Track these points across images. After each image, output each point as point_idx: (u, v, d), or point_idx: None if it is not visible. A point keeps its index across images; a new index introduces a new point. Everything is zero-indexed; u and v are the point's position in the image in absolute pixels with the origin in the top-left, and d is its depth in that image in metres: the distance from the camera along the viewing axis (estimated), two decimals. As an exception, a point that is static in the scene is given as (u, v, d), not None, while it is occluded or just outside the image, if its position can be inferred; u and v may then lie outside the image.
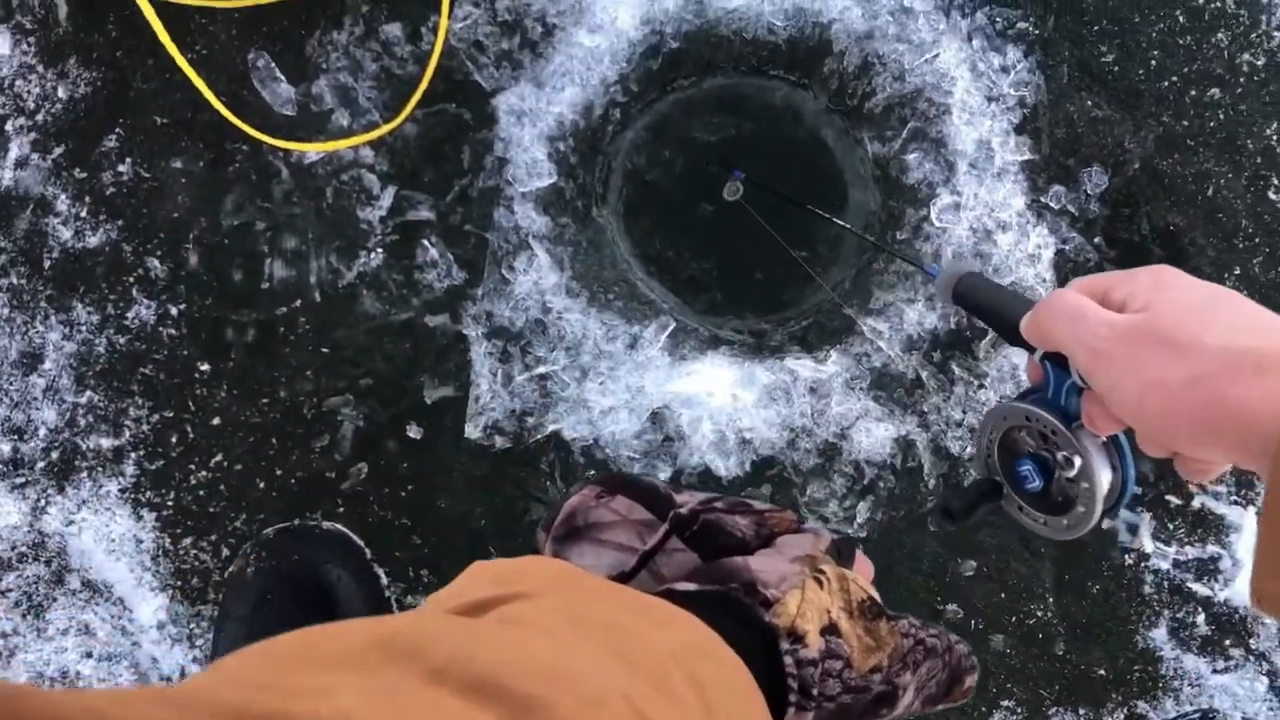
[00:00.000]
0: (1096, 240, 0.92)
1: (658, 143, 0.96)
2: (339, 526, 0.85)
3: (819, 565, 0.49)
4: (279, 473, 0.88)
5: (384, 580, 0.86)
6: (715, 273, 0.95)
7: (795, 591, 0.47)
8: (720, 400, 0.86)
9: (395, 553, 0.88)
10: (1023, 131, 0.91)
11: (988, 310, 0.53)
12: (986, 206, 0.90)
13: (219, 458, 0.88)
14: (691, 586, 0.49)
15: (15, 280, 0.88)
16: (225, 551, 0.87)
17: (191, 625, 0.87)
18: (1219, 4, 0.94)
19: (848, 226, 0.83)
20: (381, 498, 0.88)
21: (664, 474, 0.87)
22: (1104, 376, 0.41)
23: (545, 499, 0.87)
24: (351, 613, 0.79)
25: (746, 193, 0.87)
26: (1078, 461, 0.47)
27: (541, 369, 0.87)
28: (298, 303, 0.88)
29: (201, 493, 0.87)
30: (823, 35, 0.91)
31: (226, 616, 0.80)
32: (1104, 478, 0.46)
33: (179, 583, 0.87)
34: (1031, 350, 0.49)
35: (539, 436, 0.87)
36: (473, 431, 0.87)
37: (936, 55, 0.91)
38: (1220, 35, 0.94)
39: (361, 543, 0.85)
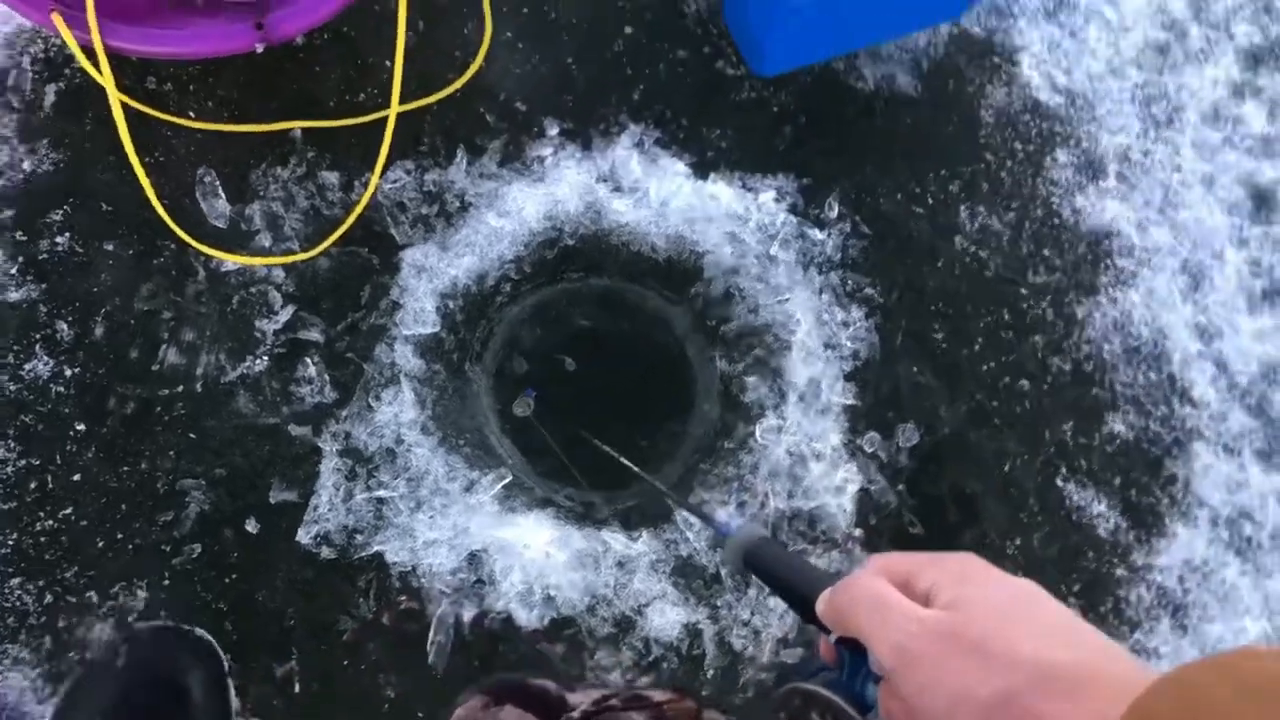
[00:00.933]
0: (900, 488, 1.40)
1: (537, 321, 1.44)
2: (208, 636, 1.18)
3: None
4: (119, 536, 1.28)
5: (234, 695, 1.20)
6: (568, 442, 1.40)
7: None
8: (534, 555, 1.29)
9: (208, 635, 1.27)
10: (851, 379, 1.41)
11: (779, 582, 0.63)
12: (806, 435, 1.38)
13: (69, 510, 1.28)
14: None
15: (-68, 314, 1.32)
16: (48, 598, 1.26)
17: (-8, 665, 1.24)
18: (1040, 311, 1.48)
19: (642, 474, 1.26)
20: (207, 579, 1.28)
21: (467, 613, 1.28)
22: (909, 678, 0.48)
23: (356, 614, 1.28)
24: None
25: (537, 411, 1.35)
26: None
27: (381, 492, 1.30)
28: (180, 388, 1.32)
29: (43, 539, 1.27)
30: (696, 262, 1.42)
31: (80, 701, 1.08)
32: None
33: (4, 623, 1.25)
34: (825, 630, 0.57)
35: (363, 554, 1.29)
36: (304, 537, 1.29)
37: (788, 299, 1.42)
38: (1037, 338, 1.47)
39: (225, 656, 1.20)
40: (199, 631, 1.17)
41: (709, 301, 1.36)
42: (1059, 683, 0.44)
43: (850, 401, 1.34)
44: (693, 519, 1.23)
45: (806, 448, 1.32)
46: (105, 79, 1.20)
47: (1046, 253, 1.44)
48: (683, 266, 1.36)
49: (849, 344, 1.35)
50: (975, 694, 0.45)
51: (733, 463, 1.31)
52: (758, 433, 1.31)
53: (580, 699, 0.67)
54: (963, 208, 1.44)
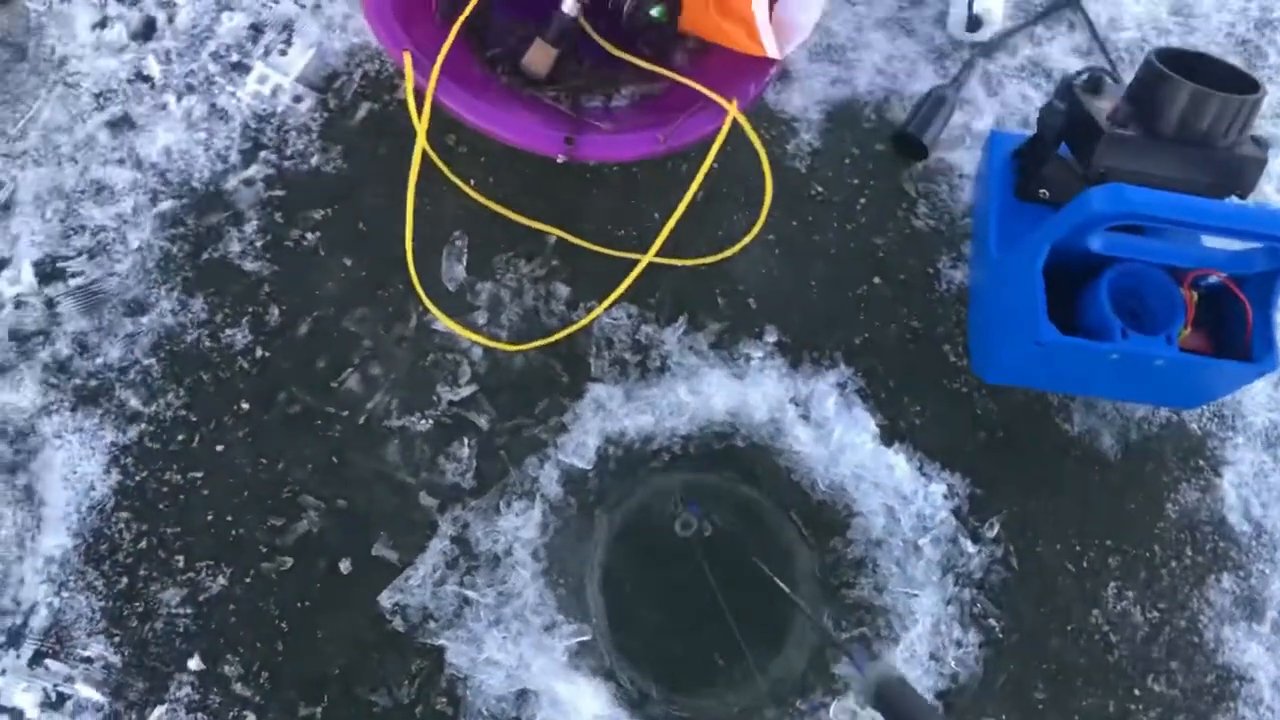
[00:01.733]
0: (941, 825, 1.36)
1: (679, 499, 1.47)
2: None
3: None
4: (228, 519, 1.33)
5: None
6: (655, 626, 1.40)
7: None
8: (580, 719, 1.29)
9: (256, 643, 1.29)
10: (941, 698, 1.39)
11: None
12: (875, 732, 1.36)
13: (199, 474, 1.33)
14: None
15: (174, 251, 1.42)
16: (141, 544, 1.30)
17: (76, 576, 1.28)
18: (1145, 718, 1.44)
19: (792, 595, 1.27)
20: (284, 596, 1.30)
21: (495, 743, 1.28)
22: None
23: (395, 693, 1.29)
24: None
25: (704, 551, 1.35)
26: None
27: (470, 593, 1.32)
28: (345, 413, 1.38)
29: (164, 489, 1.32)
30: (847, 518, 1.43)
31: None
32: None
33: (96, 547, 1.30)
34: None
35: (428, 641, 1.30)
36: (385, 600, 1.31)
37: (917, 596, 1.41)
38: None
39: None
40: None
41: (841, 560, 1.37)
42: None
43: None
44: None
45: (871, 744, 1.29)
46: (420, 125, 1.29)
47: (1174, 666, 1.41)
48: (832, 516, 1.38)
49: (953, 664, 1.34)
50: None
51: (795, 716, 1.29)
52: (832, 709, 1.29)
53: None
54: (1113, 584, 1.42)
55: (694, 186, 1.34)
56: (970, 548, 1.39)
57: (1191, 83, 1.29)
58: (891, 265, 1.51)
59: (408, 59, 1.31)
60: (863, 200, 1.54)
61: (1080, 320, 1.37)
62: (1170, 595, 1.43)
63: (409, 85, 1.29)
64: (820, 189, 1.53)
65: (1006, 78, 1.64)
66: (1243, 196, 1.36)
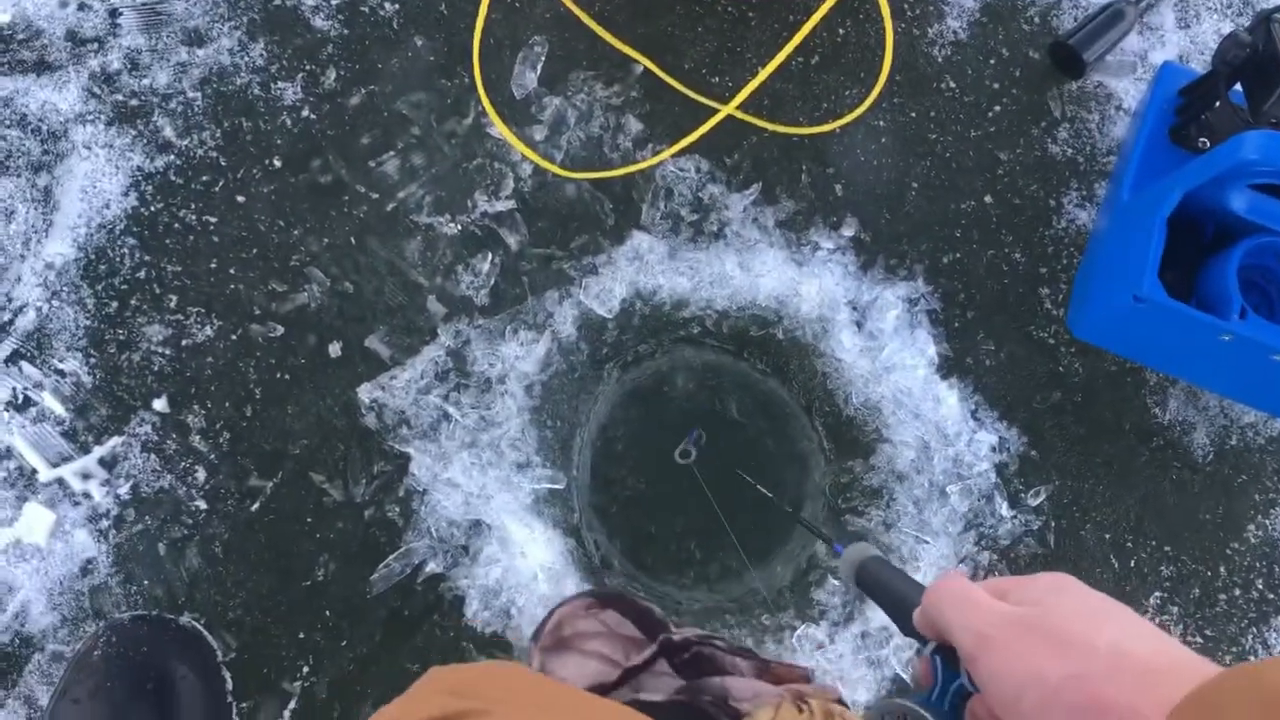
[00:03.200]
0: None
1: (697, 374, 1.34)
2: (197, 625, 1.13)
3: (806, 697, 0.60)
4: (231, 272, 1.26)
5: (229, 685, 1.13)
6: (638, 499, 1.31)
7: (768, 708, 0.58)
8: (525, 566, 1.21)
9: (226, 402, 1.25)
10: None
11: (886, 596, 0.65)
12: (837, 673, 1.24)
13: (213, 219, 1.28)
14: (659, 697, 0.63)
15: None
16: (141, 273, 1.27)
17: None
18: None
19: (769, 494, 1.17)
20: (263, 359, 1.25)
21: (432, 565, 1.21)
22: (985, 664, 0.49)
23: (349, 487, 1.24)
24: (191, 713, 1.04)
25: (699, 458, 1.24)
26: None
27: (452, 409, 1.24)
28: (375, 195, 1.29)
29: (177, 227, 1.27)
30: (873, 442, 1.28)
31: (63, 695, 1.03)
32: None
33: (96, 266, 1.27)
34: (923, 643, 0.58)
35: (396, 446, 1.23)
36: (364, 394, 1.23)
37: (928, 543, 1.27)
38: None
39: (215, 644, 1.13)
40: (184, 620, 1.13)
41: (857, 485, 1.23)
42: (1131, 671, 0.43)
43: (905, 675, 1.19)
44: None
45: (828, 680, 1.17)
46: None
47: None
48: (857, 434, 1.24)
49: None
50: (1046, 677, 0.45)
51: (754, 633, 1.18)
52: (798, 630, 1.18)
53: (686, 632, 0.68)
54: (1158, 594, 1.25)
55: (796, 39, 1.20)
56: (1005, 511, 1.24)
57: None
58: (1010, 186, 1.34)
59: None
60: (997, 108, 1.36)
61: (1200, 290, 1.18)
62: (1222, 624, 1.25)
63: None
64: (953, 84, 1.36)
65: (1206, 10, 1.42)
66: None
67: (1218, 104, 1.21)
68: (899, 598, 0.64)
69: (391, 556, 1.17)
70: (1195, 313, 1.12)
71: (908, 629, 0.60)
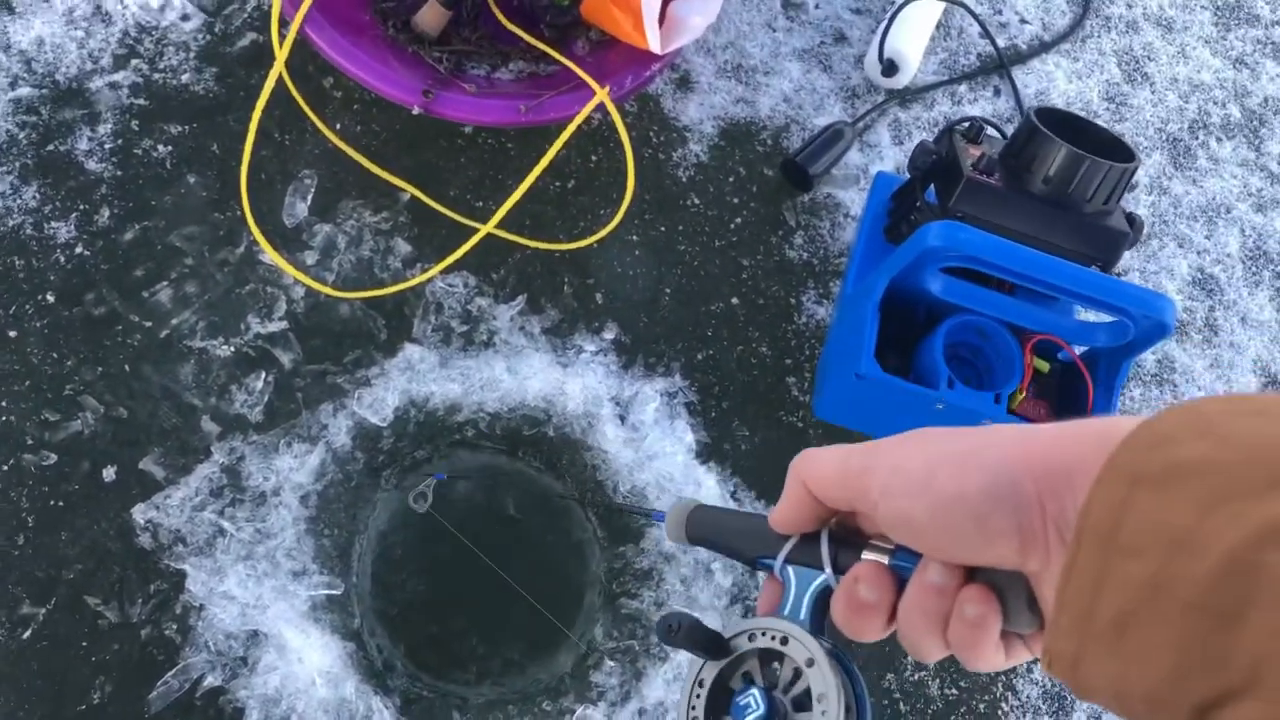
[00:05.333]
0: None
1: (474, 476, 1.42)
2: None
3: None
4: (2, 404, 1.31)
5: None
6: (419, 600, 1.35)
7: None
8: (302, 673, 1.23)
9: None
10: None
11: (727, 532, 0.61)
12: None
13: None
14: None
15: (20, 137, 1.42)
16: (-91, 412, 1.29)
17: None
18: None
19: (567, 495, 1.24)
20: (35, 488, 1.27)
21: (211, 679, 1.23)
22: (882, 461, 0.46)
23: (124, 610, 1.25)
24: None
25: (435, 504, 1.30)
26: (816, 674, 0.49)
27: (226, 524, 1.27)
28: (149, 324, 1.34)
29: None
30: (643, 527, 1.38)
31: None
32: (838, 692, 0.48)
33: None
34: (769, 568, 0.55)
35: (172, 564, 1.26)
36: (139, 515, 1.26)
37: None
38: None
39: None
40: None
41: (630, 569, 1.31)
42: (1042, 433, 0.41)
43: (682, 749, 1.25)
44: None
45: None
46: (280, 51, 1.29)
47: (964, 749, 1.33)
48: (627, 521, 1.32)
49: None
50: (956, 450, 0.43)
51: (537, 719, 1.23)
52: (578, 712, 1.23)
53: None
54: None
55: (543, 162, 1.33)
56: (763, 579, 1.32)
57: (1064, 142, 1.25)
58: (754, 289, 1.48)
59: (286, -13, 1.30)
60: (738, 220, 1.51)
61: (917, 367, 1.33)
62: (975, 675, 1.36)
63: (275, 10, 1.28)
64: (697, 201, 1.51)
65: (917, 129, 1.62)
66: (1105, 268, 1.31)
67: (918, 204, 1.38)
68: (738, 527, 0.60)
69: (169, 674, 1.18)
70: (908, 385, 1.26)
71: (758, 552, 0.56)
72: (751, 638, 0.53)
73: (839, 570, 0.51)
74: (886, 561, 0.49)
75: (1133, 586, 0.34)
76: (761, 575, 0.58)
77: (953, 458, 0.43)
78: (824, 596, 0.52)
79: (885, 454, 0.47)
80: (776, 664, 0.52)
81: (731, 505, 1.36)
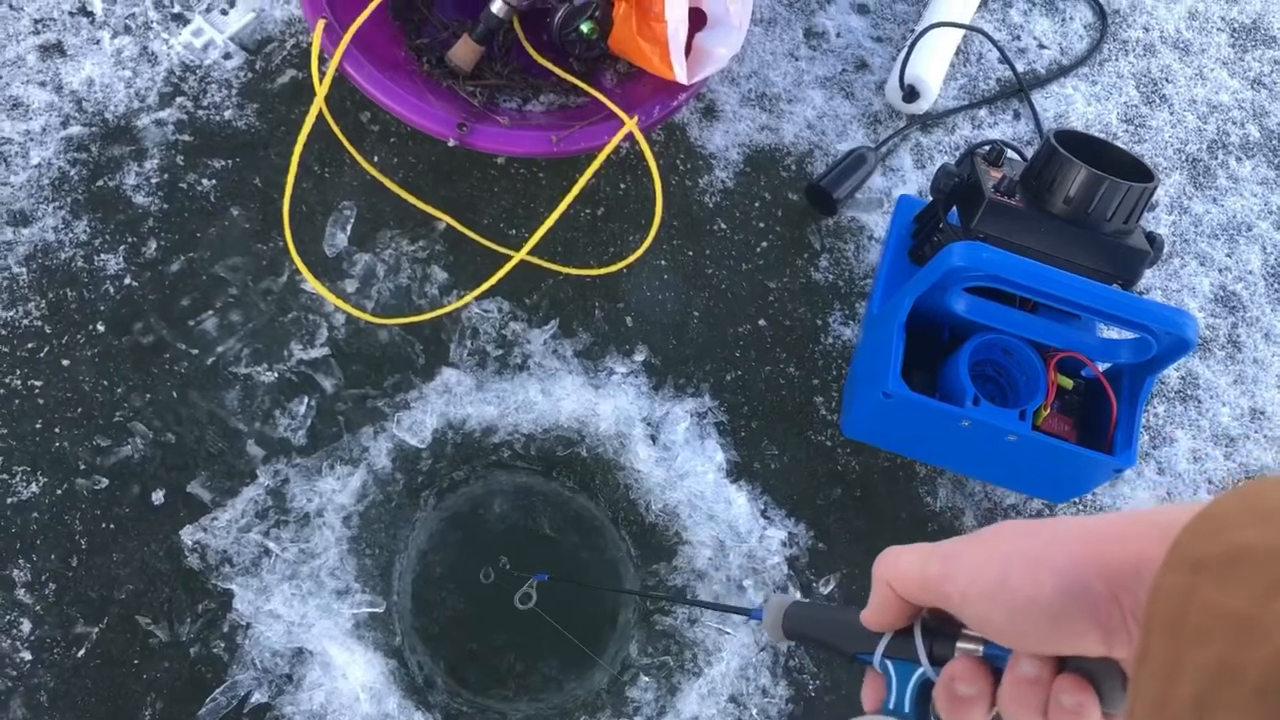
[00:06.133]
0: None
1: (510, 497, 1.45)
2: None
3: None
4: (56, 430, 1.34)
5: None
6: (458, 618, 1.39)
7: None
8: (347, 688, 1.27)
9: (52, 555, 1.31)
10: None
11: (822, 628, 0.63)
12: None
13: (37, 383, 1.36)
14: None
15: (71, 174, 1.48)
16: (-33, 439, 1.34)
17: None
18: None
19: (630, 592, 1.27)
20: (87, 511, 1.31)
21: (258, 695, 1.26)
22: (957, 566, 0.47)
23: (174, 628, 1.29)
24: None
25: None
26: None
27: (272, 544, 1.32)
28: (195, 352, 1.39)
29: (1, 392, 1.36)
30: (674, 544, 1.40)
31: None
32: None
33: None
34: (868, 659, 0.56)
35: (220, 584, 1.30)
36: (187, 536, 1.30)
37: (729, 634, 1.38)
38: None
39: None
40: None
41: (663, 586, 1.34)
42: (1110, 531, 0.42)
43: (718, 762, 1.27)
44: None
45: (647, 774, 1.25)
46: (320, 87, 1.33)
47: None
48: (659, 539, 1.36)
49: (755, 712, 1.29)
50: (1025, 549, 0.44)
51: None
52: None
53: None
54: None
55: (574, 190, 1.37)
56: (801, 599, 1.35)
57: (1083, 163, 1.28)
58: (781, 310, 1.51)
59: (320, 25, 1.36)
60: (764, 244, 1.55)
61: (942, 386, 1.35)
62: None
63: (315, 48, 1.33)
64: (724, 226, 1.55)
65: (939, 153, 1.65)
66: (1126, 286, 1.34)
67: (941, 226, 1.41)
68: (835, 622, 0.61)
69: (218, 690, 1.22)
70: (935, 402, 1.29)
71: (855, 648, 0.57)
72: None
73: (936, 661, 0.52)
74: (981, 651, 0.50)
75: (1204, 672, 0.34)
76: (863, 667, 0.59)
77: (1024, 562, 0.44)
78: (925, 688, 0.53)
79: (961, 558, 0.48)
80: None
81: (761, 523, 1.39)
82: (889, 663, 0.55)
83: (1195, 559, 0.36)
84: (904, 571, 0.51)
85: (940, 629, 0.53)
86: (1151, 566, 0.38)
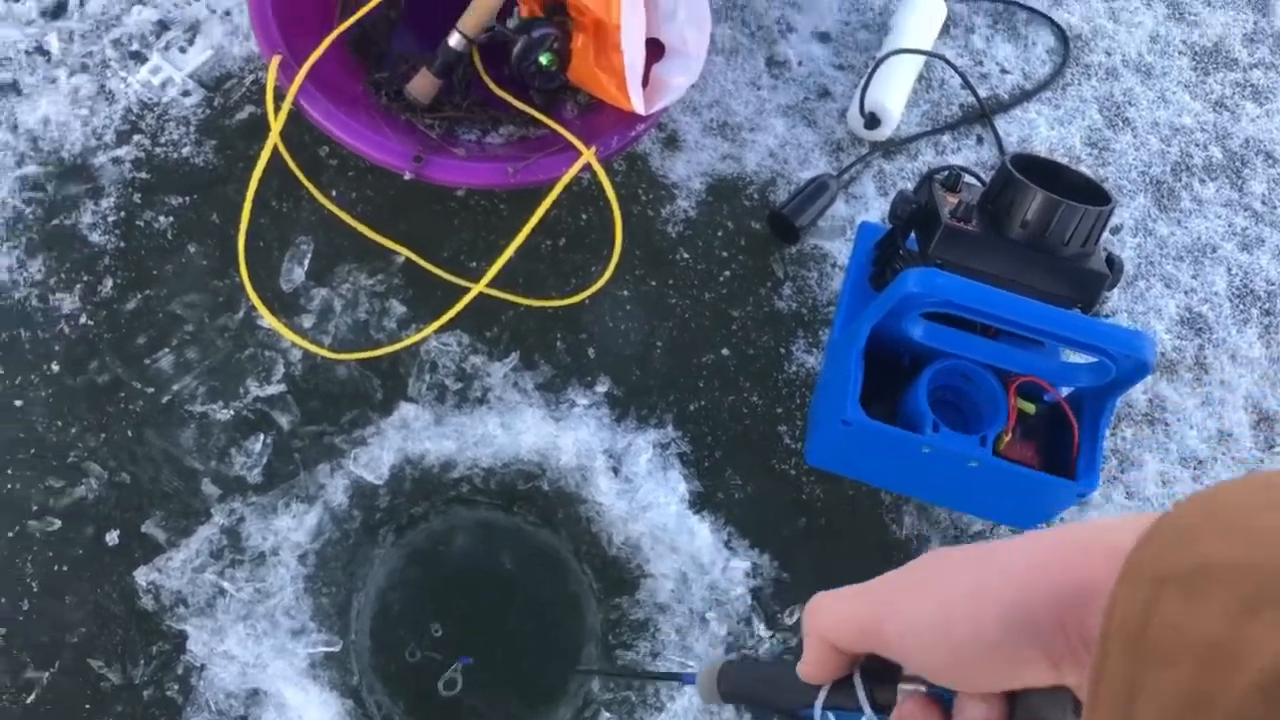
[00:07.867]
0: None
1: (471, 534, 1.44)
2: None
3: None
4: (8, 472, 1.33)
5: None
6: (418, 656, 1.37)
7: None
8: (303, 731, 1.25)
9: (1, 599, 1.29)
10: None
11: (758, 686, 0.61)
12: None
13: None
14: None
15: (26, 213, 1.47)
16: (-82, 482, 1.32)
17: None
18: None
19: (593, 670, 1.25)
20: (40, 553, 1.30)
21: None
22: (895, 615, 0.45)
23: (127, 671, 1.27)
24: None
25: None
26: None
27: (226, 584, 1.30)
28: (151, 390, 1.38)
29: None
30: (636, 578, 1.38)
31: None
32: None
33: None
34: (810, 716, 0.54)
35: (174, 625, 1.28)
36: (141, 577, 1.29)
37: (691, 668, 1.36)
38: None
39: None
40: None
41: (625, 620, 1.33)
42: (1056, 557, 0.41)
43: (681, 799, 1.25)
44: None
45: (609, 813, 1.23)
46: (275, 122, 1.33)
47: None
48: (621, 573, 1.34)
49: (718, 747, 1.27)
50: (964, 586, 0.42)
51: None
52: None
53: None
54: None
55: (532, 221, 1.36)
56: (763, 631, 1.34)
57: (1039, 187, 1.28)
58: (744, 339, 1.50)
59: (275, 61, 1.35)
60: (727, 273, 1.54)
61: (903, 413, 1.34)
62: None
63: (270, 84, 1.33)
64: (686, 255, 1.54)
65: (901, 179, 1.65)
66: (1086, 310, 1.33)
67: (900, 252, 1.40)
68: (771, 678, 0.59)
69: (170, 735, 1.19)
70: (894, 430, 1.28)
71: (795, 702, 0.55)
72: None
73: (879, 708, 0.51)
74: (924, 690, 0.48)
75: (1170, 697, 0.32)
76: None
77: (964, 599, 0.43)
78: None
79: (897, 600, 0.46)
80: None
81: (725, 554, 1.38)
82: (829, 716, 0.54)
83: (1157, 573, 0.34)
84: (837, 621, 0.50)
85: (881, 671, 0.52)
86: (1100, 591, 0.37)
